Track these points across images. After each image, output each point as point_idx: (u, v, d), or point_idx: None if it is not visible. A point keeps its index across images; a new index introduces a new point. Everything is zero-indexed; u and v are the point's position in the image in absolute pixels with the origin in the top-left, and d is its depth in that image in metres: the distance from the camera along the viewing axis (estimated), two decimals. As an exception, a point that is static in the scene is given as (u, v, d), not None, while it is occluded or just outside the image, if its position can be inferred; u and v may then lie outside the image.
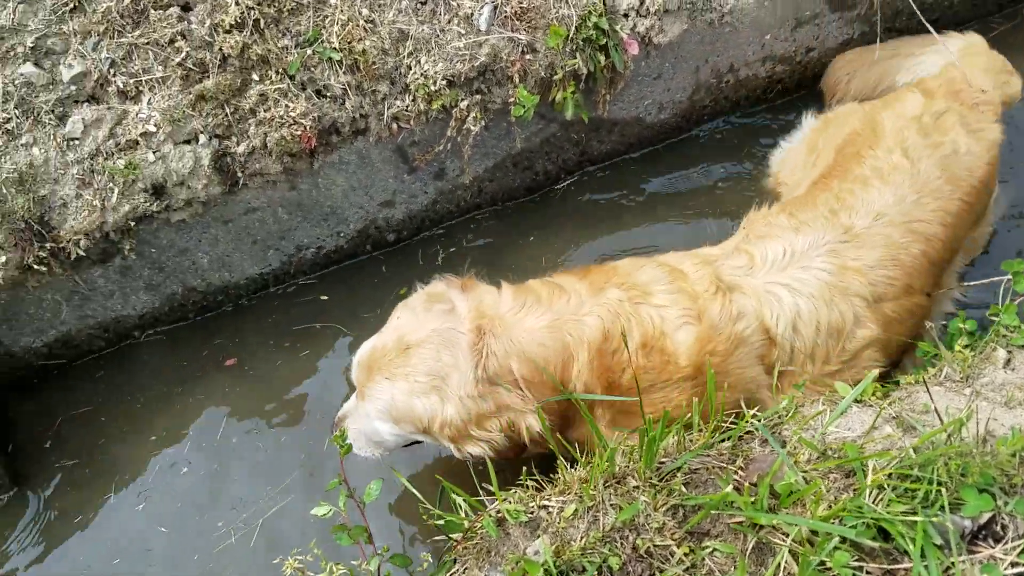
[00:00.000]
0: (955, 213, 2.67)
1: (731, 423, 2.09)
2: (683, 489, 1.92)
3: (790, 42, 3.71)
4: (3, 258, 2.91)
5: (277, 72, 3.02)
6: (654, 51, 3.40)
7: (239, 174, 3.09)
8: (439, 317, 2.41)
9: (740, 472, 1.92)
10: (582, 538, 1.91)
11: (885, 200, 2.61)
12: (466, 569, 2.02)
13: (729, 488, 1.80)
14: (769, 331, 2.42)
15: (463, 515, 2.22)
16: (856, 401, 1.94)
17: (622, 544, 1.89)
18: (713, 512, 1.81)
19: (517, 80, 3.13)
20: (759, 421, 2.00)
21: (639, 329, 2.36)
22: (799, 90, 3.96)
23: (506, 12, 3.10)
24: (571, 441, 2.50)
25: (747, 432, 2.06)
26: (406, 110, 3.14)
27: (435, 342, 2.36)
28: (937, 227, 2.61)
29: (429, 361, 2.34)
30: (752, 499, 1.78)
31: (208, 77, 2.97)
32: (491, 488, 2.10)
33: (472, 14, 3.08)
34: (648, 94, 3.61)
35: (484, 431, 2.35)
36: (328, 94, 3.09)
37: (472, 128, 3.18)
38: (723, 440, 2.05)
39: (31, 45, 2.86)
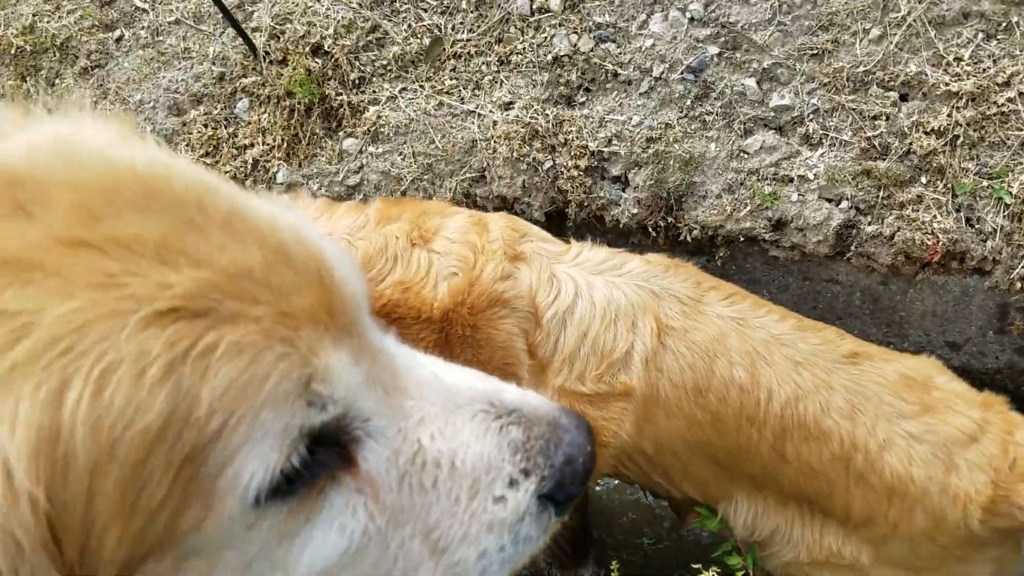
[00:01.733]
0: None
1: None
2: None
3: None
4: (634, 210, 3.44)
5: (945, 185, 3.12)
6: None
7: (851, 248, 3.26)
8: None
9: None
10: None
11: (789, 327, 2.32)
12: None
13: None
14: (538, 310, 2.27)
15: None
16: None
17: None
18: None
19: None
20: None
21: (402, 268, 2.28)
22: None
23: None
24: None
25: None
26: (1042, 279, 3.04)
27: None
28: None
29: None
30: None
31: (883, 160, 3.17)
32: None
33: None
34: None
35: None
36: (976, 226, 3.11)
37: (1106, 332, 2.97)
38: None
39: (765, 67, 3.30)
